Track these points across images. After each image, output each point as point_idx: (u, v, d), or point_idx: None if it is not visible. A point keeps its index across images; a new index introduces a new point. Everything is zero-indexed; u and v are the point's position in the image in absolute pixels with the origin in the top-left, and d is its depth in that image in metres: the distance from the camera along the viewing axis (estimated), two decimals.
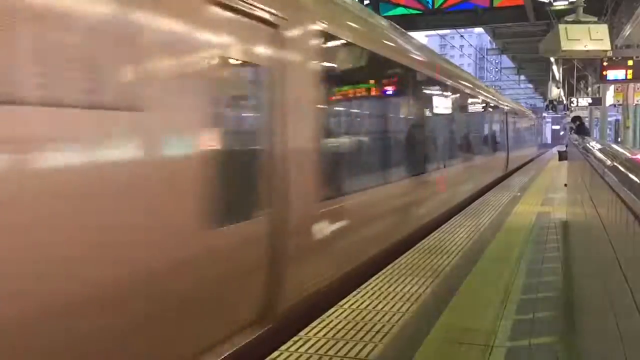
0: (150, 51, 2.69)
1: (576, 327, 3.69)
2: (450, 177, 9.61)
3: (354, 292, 4.58)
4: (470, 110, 12.37)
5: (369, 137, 6.31)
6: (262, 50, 3.75)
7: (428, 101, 8.73)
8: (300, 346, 3.45)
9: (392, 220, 6.61)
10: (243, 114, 3.87)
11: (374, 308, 4.18)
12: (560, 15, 12.28)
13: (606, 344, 2.10)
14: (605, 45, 9.31)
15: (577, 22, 9.66)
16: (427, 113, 8.63)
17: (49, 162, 2.20)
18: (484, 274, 5.16)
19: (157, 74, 2.74)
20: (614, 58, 11.85)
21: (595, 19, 10.21)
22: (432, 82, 8.75)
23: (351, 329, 3.75)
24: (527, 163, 23.43)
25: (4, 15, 2.03)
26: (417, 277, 5.03)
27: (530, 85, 52.41)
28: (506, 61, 44.90)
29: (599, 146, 4.21)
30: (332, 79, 4.97)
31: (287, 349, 3.40)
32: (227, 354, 3.34)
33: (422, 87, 8.27)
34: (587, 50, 9.38)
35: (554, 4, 13.39)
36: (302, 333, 3.67)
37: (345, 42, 5.18)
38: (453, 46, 46.97)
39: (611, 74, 12.23)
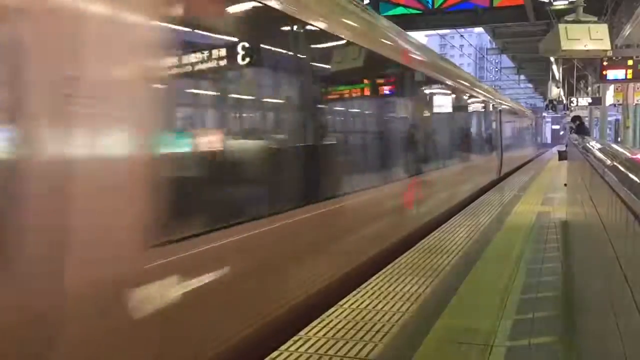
0: None
1: (576, 327, 3.69)
2: (422, 188, 7.75)
3: (354, 292, 4.58)
4: (452, 108, 10.51)
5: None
6: None
7: (385, 95, 6.78)
8: (300, 346, 3.45)
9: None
10: None
11: (373, 308, 4.18)
12: (560, 14, 12.28)
13: (606, 344, 2.10)
14: (605, 45, 9.30)
15: (577, 21, 9.65)
16: (382, 110, 6.69)
17: None
18: (484, 274, 5.16)
19: None
20: (613, 58, 11.86)
21: (595, 18, 10.21)
22: (388, 67, 6.65)
23: (351, 328, 3.75)
24: (524, 165, 22.64)
25: None
26: (417, 276, 5.03)
27: (530, 85, 52.40)
28: (506, 61, 44.86)
29: (598, 146, 4.20)
30: None
31: (287, 349, 3.40)
32: None
33: (368, 71, 6.08)
34: (587, 50, 9.37)
35: (554, 3, 13.41)
36: (302, 333, 3.67)
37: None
38: (453, 46, 47.04)
39: (611, 74, 12.24)
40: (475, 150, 12.52)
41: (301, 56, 4.62)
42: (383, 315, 4.00)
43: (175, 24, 3.06)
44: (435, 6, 18.39)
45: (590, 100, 23.45)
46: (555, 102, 27.83)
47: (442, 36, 42.33)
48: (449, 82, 10.12)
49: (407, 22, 17.14)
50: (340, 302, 4.30)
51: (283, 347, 3.42)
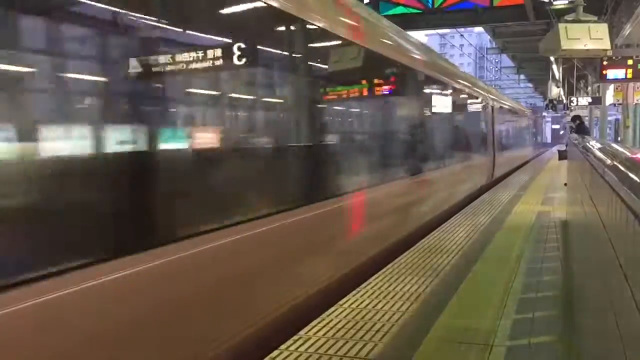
0: None
1: (576, 327, 3.69)
2: (395, 196, 6.69)
3: (354, 292, 4.58)
4: (433, 104, 9.13)
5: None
6: None
7: (345, 84, 5.83)
8: (300, 345, 3.45)
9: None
10: None
11: (373, 307, 4.18)
12: (560, 14, 12.27)
13: (606, 344, 2.10)
14: (605, 44, 9.30)
15: (577, 21, 9.65)
16: (344, 103, 5.89)
17: None
18: (484, 273, 5.16)
19: None
20: (613, 57, 11.85)
21: (595, 18, 10.20)
22: (351, 52, 5.65)
23: (351, 328, 3.75)
24: (521, 166, 21.82)
25: None
26: (417, 276, 5.03)
27: (530, 85, 52.37)
28: (506, 60, 44.84)
29: (598, 145, 4.21)
30: None
31: (287, 348, 3.40)
32: None
33: (325, 56, 5.22)
34: (587, 50, 9.37)
35: (554, 3, 13.40)
36: (302, 332, 3.67)
37: None
38: (453, 45, 47.03)
39: (611, 73, 12.23)
40: (458, 153, 10.79)
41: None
42: (383, 315, 4.00)
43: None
44: (435, 6, 18.37)
45: (590, 99, 23.45)
46: (555, 102, 27.82)
47: (442, 36, 42.29)
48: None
49: (407, 22, 17.13)
50: (340, 302, 4.30)
51: (283, 347, 3.42)
